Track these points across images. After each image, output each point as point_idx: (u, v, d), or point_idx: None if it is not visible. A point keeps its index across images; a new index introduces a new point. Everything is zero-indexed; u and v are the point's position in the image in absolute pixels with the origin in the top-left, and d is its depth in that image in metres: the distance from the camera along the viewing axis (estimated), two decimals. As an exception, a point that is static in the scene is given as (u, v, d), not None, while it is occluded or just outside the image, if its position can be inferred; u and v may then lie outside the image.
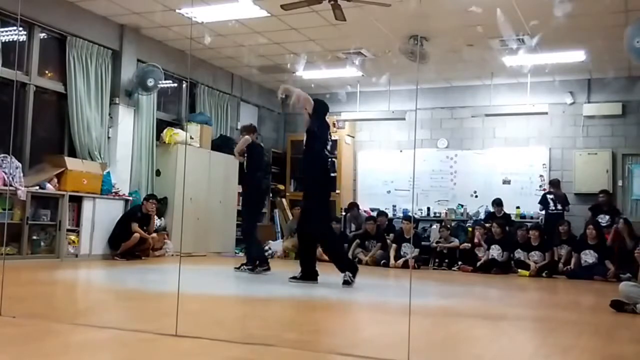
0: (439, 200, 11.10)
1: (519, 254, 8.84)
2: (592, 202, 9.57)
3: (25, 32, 7.49)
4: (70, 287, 5.61)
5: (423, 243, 9.81)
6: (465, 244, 9.26)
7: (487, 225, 9.40)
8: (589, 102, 10.33)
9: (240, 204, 7.28)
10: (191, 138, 9.53)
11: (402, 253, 9.29)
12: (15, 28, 7.15)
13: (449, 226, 9.95)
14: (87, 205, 7.77)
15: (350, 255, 9.59)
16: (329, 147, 6.08)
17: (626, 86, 9.93)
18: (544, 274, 8.39)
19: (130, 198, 8.46)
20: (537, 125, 10.59)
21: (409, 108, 10.90)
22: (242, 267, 6.89)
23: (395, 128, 11.50)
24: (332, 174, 6.42)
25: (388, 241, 9.58)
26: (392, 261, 9.17)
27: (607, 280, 7.81)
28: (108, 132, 8.44)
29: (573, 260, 8.46)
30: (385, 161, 11.55)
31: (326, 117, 6.22)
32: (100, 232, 7.93)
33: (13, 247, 6.82)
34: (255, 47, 9.22)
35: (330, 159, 6.10)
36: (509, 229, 9.38)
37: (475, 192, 10.88)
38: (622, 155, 10.13)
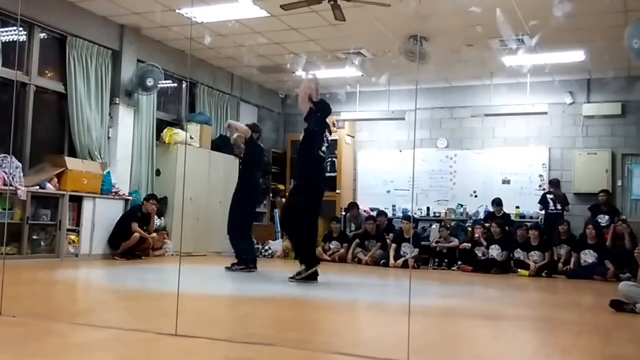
0: (438, 200, 11.11)
1: (519, 253, 8.85)
2: (592, 202, 9.58)
3: (25, 32, 7.49)
4: (70, 287, 5.62)
5: (423, 243, 9.81)
6: (465, 244, 9.27)
7: (486, 225, 9.41)
8: (588, 102, 10.33)
9: (231, 199, 7.18)
10: (191, 138, 9.54)
11: (401, 253, 9.29)
12: (15, 28, 7.15)
13: (448, 226, 9.95)
14: (87, 205, 7.77)
15: (350, 254, 9.64)
16: (324, 148, 6.06)
17: (626, 86, 9.93)
18: (543, 274, 8.39)
19: (130, 198, 8.46)
20: (536, 125, 10.59)
21: (409, 108, 10.90)
22: (233, 267, 6.90)
23: (395, 128, 11.50)
24: (331, 174, 6.44)
25: (388, 241, 9.59)
26: (391, 261, 9.17)
27: (606, 280, 7.81)
28: (108, 132, 8.45)
29: (572, 260, 8.47)
30: (385, 161, 11.55)
31: (327, 118, 6.23)
32: (100, 232, 7.93)
33: (13, 246, 6.83)
34: (255, 47, 9.22)
35: (328, 160, 6.09)
36: (508, 229, 9.39)
37: (474, 191, 10.89)
38: (622, 155, 10.13)
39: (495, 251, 8.92)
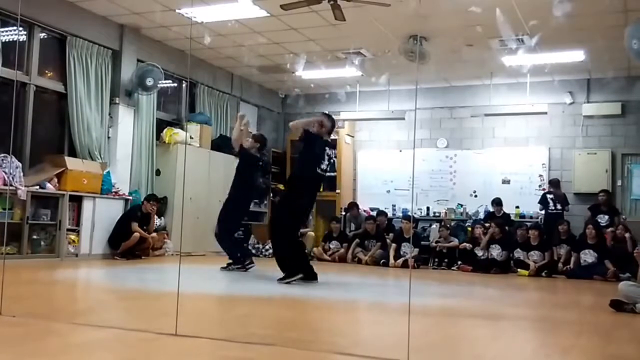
0: (438, 200, 11.10)
1: (519, 253, 8.85)
2: (592, 202, 9.58)
3: (25, 32, 7.49)
4: (70, 287, 5.62)
5: (422, 243, 9.82)
6: (465, 244, 9.27)
7: (486, 224, 9.41)
8: (588, 102, 10.33)
9: (224, 202, 7.21)
10: (191, 138, 9.54)
11: (401, 253, 9.29)
12: (15, 28, 7.15)
13: (448, 226, 9.95)
14: (87, 205, 7.77)
15: (350, 254, 9.64)
16: (323, 167, 5.96)
17: (625, 86, 9.93)
18: (543, 274, 8.40)
19: (130, 198, 8.46)
20: (536, 125, 10.59)
21: (409, 108, 10.90)
22: (229, 267, 6.91)
23: (395, 128, 11.50)
24: (331, 174, 6.43)
25: (388, 241, 9.59)
26: (391, 261, 9.18)
27: (606, 280, 7.82)
28: (108, 132, 8.45)
29: (572, 260, 8.48)
30: (385, 161, 11.55)
31: (330, 134, 6.20)
32: (100, 232, 7.93)
33: (13, 246, 6.83)
34: (255, 47, 9.22)
35: (324, 175, 6.07)
36: (508, 229, 9.39)
37: (474, 191, 10.89)
38: (622, 155, 10.13)
39: (495, 251, 8.93)
